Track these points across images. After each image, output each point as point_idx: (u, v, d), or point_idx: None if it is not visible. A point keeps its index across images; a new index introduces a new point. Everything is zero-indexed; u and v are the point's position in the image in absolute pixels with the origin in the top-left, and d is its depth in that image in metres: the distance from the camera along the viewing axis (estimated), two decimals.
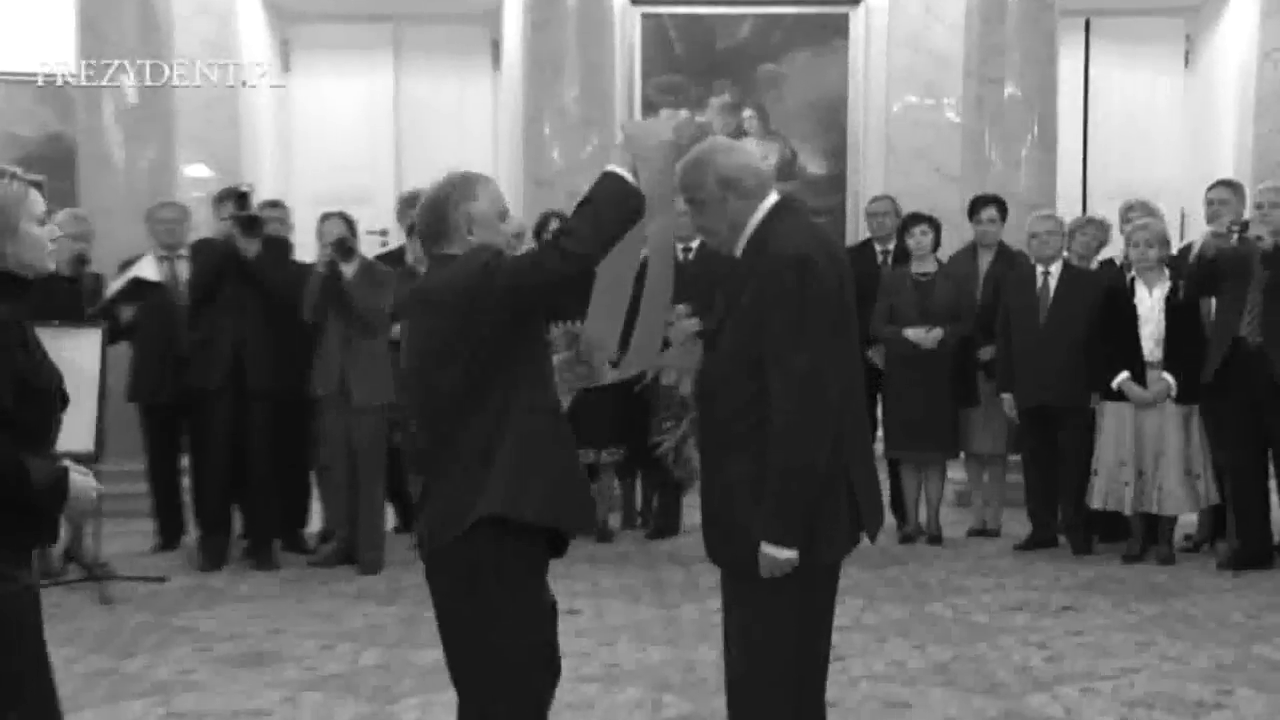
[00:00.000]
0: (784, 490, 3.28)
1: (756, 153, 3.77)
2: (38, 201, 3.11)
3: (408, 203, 8.73)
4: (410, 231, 8.19)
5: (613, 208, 3.37)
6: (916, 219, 8.28)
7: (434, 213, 3.51)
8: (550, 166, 9.82)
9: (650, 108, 11.35)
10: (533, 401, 3.38)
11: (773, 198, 3.51)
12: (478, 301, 3.31)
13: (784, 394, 3.28)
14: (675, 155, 3.53)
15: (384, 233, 9.05)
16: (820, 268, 3.33)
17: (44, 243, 3.11)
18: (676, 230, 7.75)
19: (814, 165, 11.40)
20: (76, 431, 5.57)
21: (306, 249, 8.02)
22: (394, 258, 8.44)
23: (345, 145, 11.90)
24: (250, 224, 7.45)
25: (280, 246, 7.77)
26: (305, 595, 6.97)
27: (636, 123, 3.65)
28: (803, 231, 3.45)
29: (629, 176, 3.41)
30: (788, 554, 3.29)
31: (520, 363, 3.37)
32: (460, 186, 3.52)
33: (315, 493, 8.16)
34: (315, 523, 8.20)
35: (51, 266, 3.15)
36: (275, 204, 8.28)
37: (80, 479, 3.03)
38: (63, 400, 3.11)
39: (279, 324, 7.49)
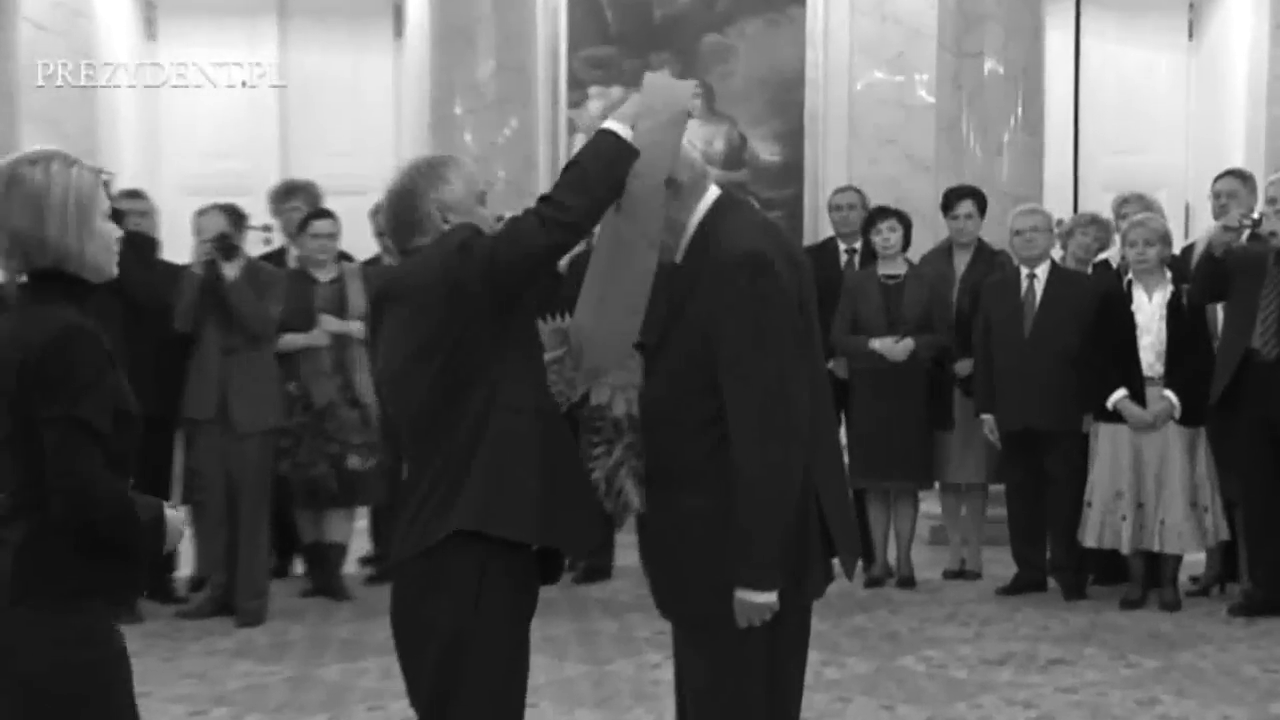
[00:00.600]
0: (756, 526, 3.29)
1: (691, 140, 3.77)
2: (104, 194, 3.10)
3: (282, 194, 8.70)
4: (296, 226, 8.17)
5: (604, 167, 3.36)
6: (883, 213, 8.34)
7: (402, 206, 3.52)
8: (463, 152, 9.78)
9: (577, 85, 11.37)
10: (518, 400, 3.36)
11: (713, 192, 3.53)
12: (456, 286, 3.30)
13: (745, 413, 3.29)
14: (681, 134, 3.51)
15: (267, 228, 9.00)
16: (776, 266, 3.34)
17: (113, 242, 3.11)
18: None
19: (766, 151, 11.45)
20: None
21: (178, 246, 7.97)
22: (277, 258, 8.41)
23: (222, 125, 11.81)
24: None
25: (144, 244, 7.71)
26: (174, 652, 6.91)
27: (662, 75, 3.65)
28: (753, 227, 3.47)
29: (626, 133, 3.40)
30: (766, 598, 3.31)
31: (506, 356, 3.36)
32: (428, 173, 3.53)
33: (187, 532, 8.09)
34: (186, 567, 8.13)
35: (115, 271, 3.14)
36: (136, 194, 8.23)
37: (172, 514, 3.07)
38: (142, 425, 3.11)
39: (144, 335, 7.42)
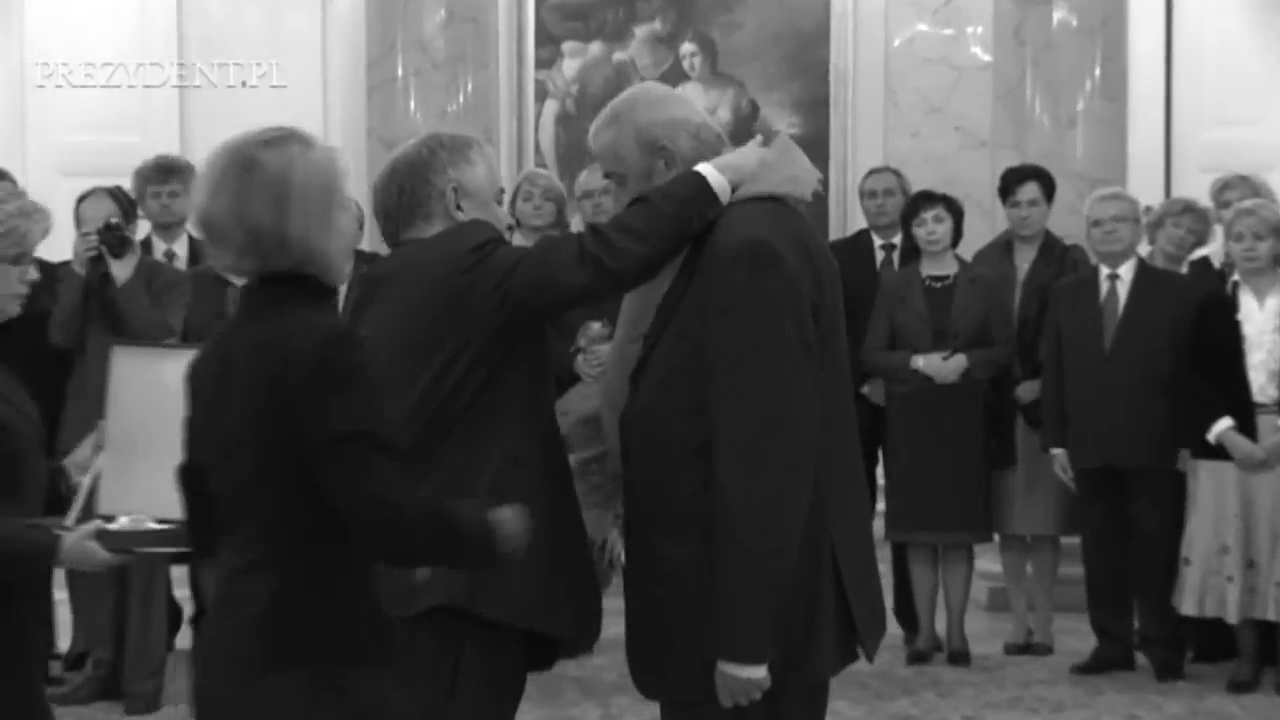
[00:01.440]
0: (742, 585, 3.26)
1: (698, 105, 3.82)
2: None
3: (157, 174, 8.48)
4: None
5: (675, 212, 3.41)
6: (928, 200, 8.31)
7: (411, 180, 3.59)
8: (405, 123, 9.77)
9: (548, 40, 11.37)
10: (523, 449, 3.40)
11: None
12: (459, 294, 3.35)
13: (733, 439, 3.27)
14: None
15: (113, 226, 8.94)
16: (783, 260, 3.33)
17: (349, 238, 3.24)
18: (588, 217, 7.80)
19: (782, 122, 11.44)
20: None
21: (53, 240, 7.91)
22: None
23: (106, 92, 11.78)
24: None
25: None
26: None
27: (796, 146, 3.71)
28: (763, 212, 3.47)
29: (719, 183, 3.43)
30: (752, 673, 3.28)
31: (511, 393, 3.40)
32: (451, 148, 3.63)
33: (63, 597, 8.05)
34: (64, 640, 8.07)
35: (348, 273, 3.22)
36: None
37: (503, 513, 3.12)
38: None
39: (8, 348, 7.36)
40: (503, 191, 3.73)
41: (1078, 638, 8.21)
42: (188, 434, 3.10)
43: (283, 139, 3.07)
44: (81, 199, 7.72)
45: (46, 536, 3.72)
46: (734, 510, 3.25)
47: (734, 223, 3.40)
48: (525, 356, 3.44)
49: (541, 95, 11.41)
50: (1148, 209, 8.78)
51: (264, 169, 3.00)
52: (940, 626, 8.28)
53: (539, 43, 11.34)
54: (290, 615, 2.93)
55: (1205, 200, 8.73)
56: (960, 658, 8.15)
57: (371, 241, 8.66)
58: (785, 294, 3.31)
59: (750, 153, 3.52)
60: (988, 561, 8.75)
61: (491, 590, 3.32)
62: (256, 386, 2.92)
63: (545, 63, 11.40)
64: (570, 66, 11.37)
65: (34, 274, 4.02)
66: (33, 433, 3.92)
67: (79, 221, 7.62)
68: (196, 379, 3.07)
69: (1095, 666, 7.93)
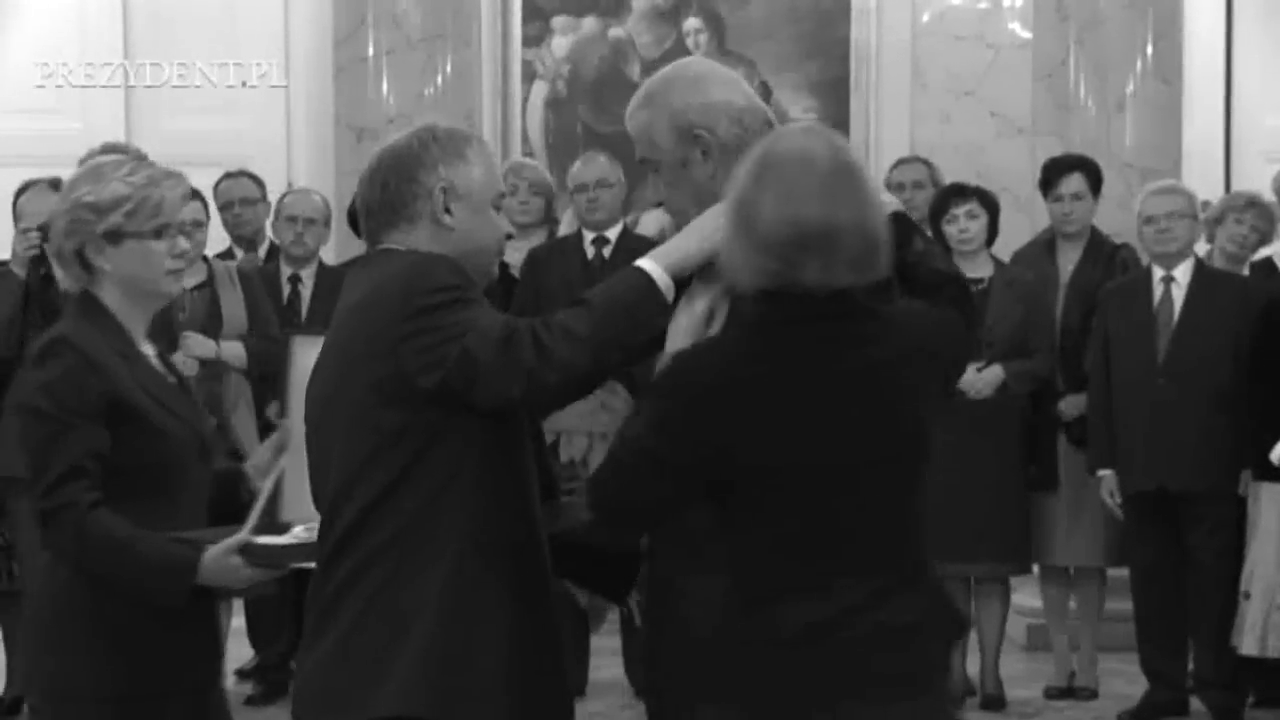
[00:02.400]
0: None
1: (740, 79, 3.78)
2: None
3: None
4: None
5: (627, 322, 3.42)
6: (960, 193, 8.34)
7: (396, 174, 3.58)
8: (377, 108, 9.82)
9: (535, 14, 11.39)
10: (482, 532, 3.41)
11: None
12: (397, 359, 3.38)
13: None
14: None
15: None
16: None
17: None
18: (582, 214, 7.79)
19: (798, 107, 11.48)
20: None
21: None
22: None
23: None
24: None
25: None
26: None
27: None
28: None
29: (666, 285, 3.46)
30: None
31: (474, 458, 3.42)
32: (444, 142, 3.61)
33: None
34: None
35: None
36: None
37: None
38: None
39: None
40: (503, 196, 3.69)
41: (1126, 680, 8.24)
42: None
43: None
44: (20, 191, 7.73)
45: (187, 552, 3.75)
46: None
47: None
48: (481, 426, 3.43)
49: (529, 76, 11.41)
50: (1206, 204, 8.79)
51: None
52: (973, 668, 8.30)
53: (526, 18, 11.34)
54: None
55: (1269, 194, 8.75)
56: (995, 703, 8.17)
57: (338, 242, 8.70)
58: None
59: (694, 231, 3.52)
60: (1026, 596, 8.77)
61: (462, 699, 3.34)
62: None
63: (533, 40, 11.40)
64: (561, 44, 11.38)
65: (184, 245, 4.03)
66: (193, 440, 3.97)
67: (17, 217, 7.64)
68: None
69: (1145, 712, 7.95)
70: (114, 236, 3.93)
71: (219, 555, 3.73)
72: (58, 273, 7.37)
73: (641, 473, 3.21)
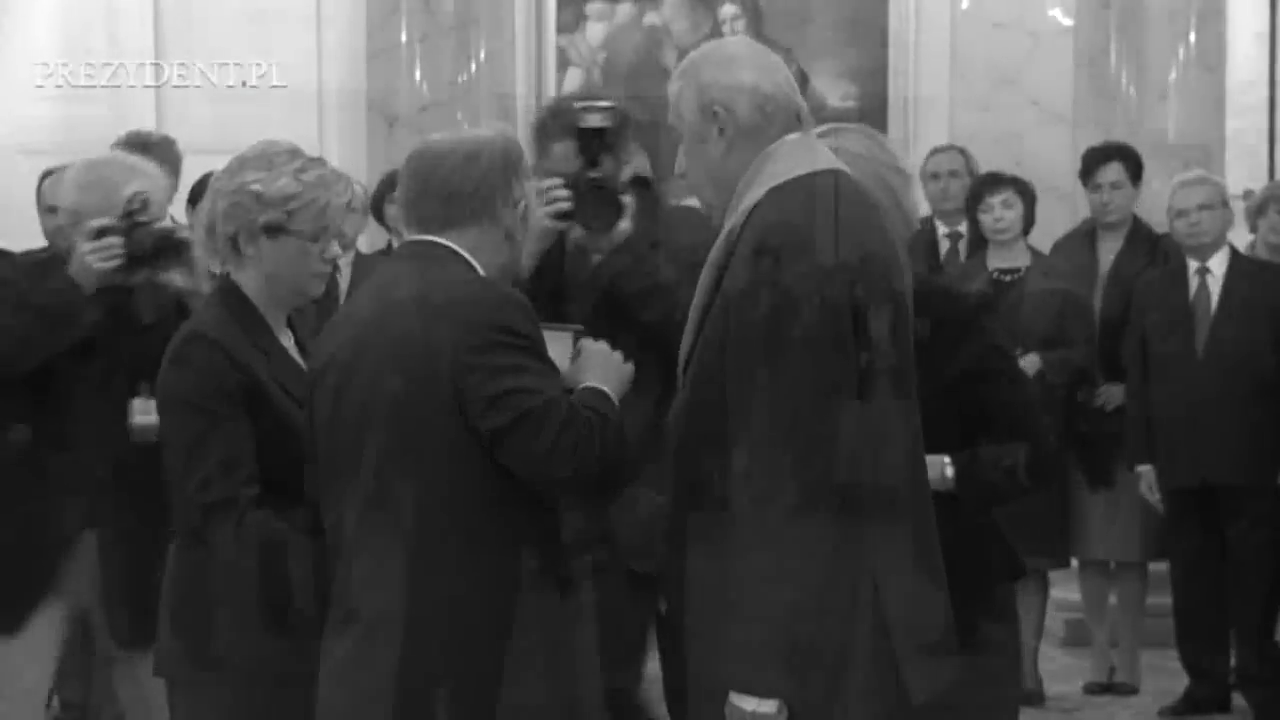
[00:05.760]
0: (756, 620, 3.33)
1: (780, 67, 3.80)
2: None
3: (131, 149, 8.50)
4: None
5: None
6: (997, 182, 8.34)
7: (466, 173, 3.63)
8: (410, 96, 9.83)
9: (572, 1, 11.38)
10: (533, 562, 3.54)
11: (792, 142, 3.57)
12: (455, 389, 3.48)
13: (740, 451, 3.33)
14: None
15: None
16: (810, 253, 3.37)
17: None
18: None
19: (836, 94, 11.48)
20: None
21: (14, 227, 7.97)
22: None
23: (64, 54, 11.81)
24: None
25: None
26: None
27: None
28: (809, 197, 3.48)
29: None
30: (761, 707, 3.32)
31: (488, 513, 3.54)
32: (526, 161, 3.74)
33: None
34: None
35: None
36: None
37: None
38: None
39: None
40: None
41: (1166, 676, 8.22)
42: None
43: None
44: (45, 176, 7.72)
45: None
46: (741, 530, 3.32)
47: (781, 199, 3.43)
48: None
49: (563, 64, 11.41)
50: (1248, 193, 8.77)
51: None
52: None
53: (561, 4, 11.34)
54: None
55: None
56: (1034, 699, 8.13)
57: (369, 230, 8.69)
58: (810, 291, 3.33)
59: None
60: (1065, 590, 8.76)
61: None
62: None
63: (567, 27, 11.41)
64: (595, 31, 11.39)
65: (337, 251, 4.12)
66: None
67: (44, 202, 7.61)
68: None
69: (1186, 709, 7.94)
70: (273, 230, 3.99)
71: None
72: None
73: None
